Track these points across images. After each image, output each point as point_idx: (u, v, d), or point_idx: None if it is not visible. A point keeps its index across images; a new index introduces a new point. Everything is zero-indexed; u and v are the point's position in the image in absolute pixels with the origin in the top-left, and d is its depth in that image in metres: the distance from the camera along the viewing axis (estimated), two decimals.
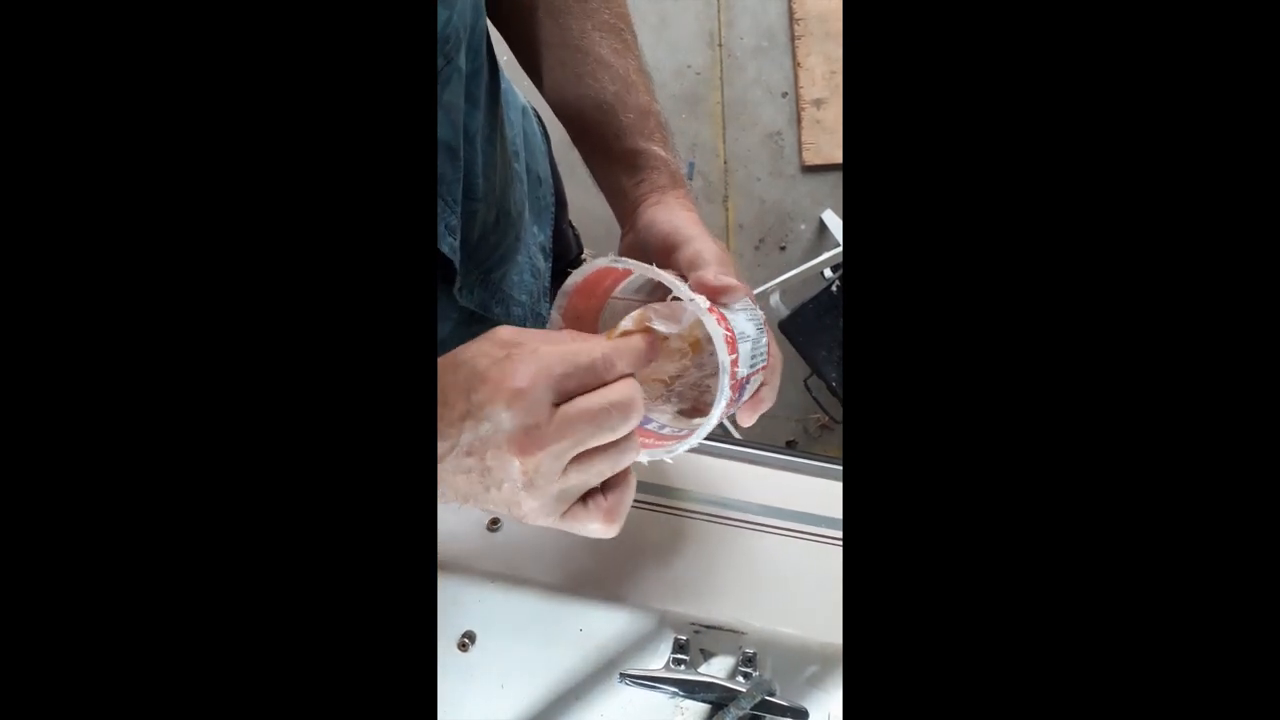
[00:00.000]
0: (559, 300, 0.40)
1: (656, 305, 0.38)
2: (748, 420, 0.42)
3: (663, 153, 0.44)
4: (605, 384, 0.31)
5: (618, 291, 0.41)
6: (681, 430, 0.40)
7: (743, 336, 0.37)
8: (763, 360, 0.40)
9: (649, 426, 0.40)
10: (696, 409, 0.43)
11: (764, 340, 0.40)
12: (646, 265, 0.36)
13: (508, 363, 0.30)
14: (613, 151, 0.45)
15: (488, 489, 0.31)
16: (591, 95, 0.45)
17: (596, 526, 0.34)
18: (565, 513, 0.33)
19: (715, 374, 0.40)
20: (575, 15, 0.46)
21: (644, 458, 0.38)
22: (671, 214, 0.42)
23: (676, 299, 0.38)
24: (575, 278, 0.39)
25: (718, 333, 0.35)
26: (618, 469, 0.33)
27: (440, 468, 0.31)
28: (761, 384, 0.41)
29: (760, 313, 0.41)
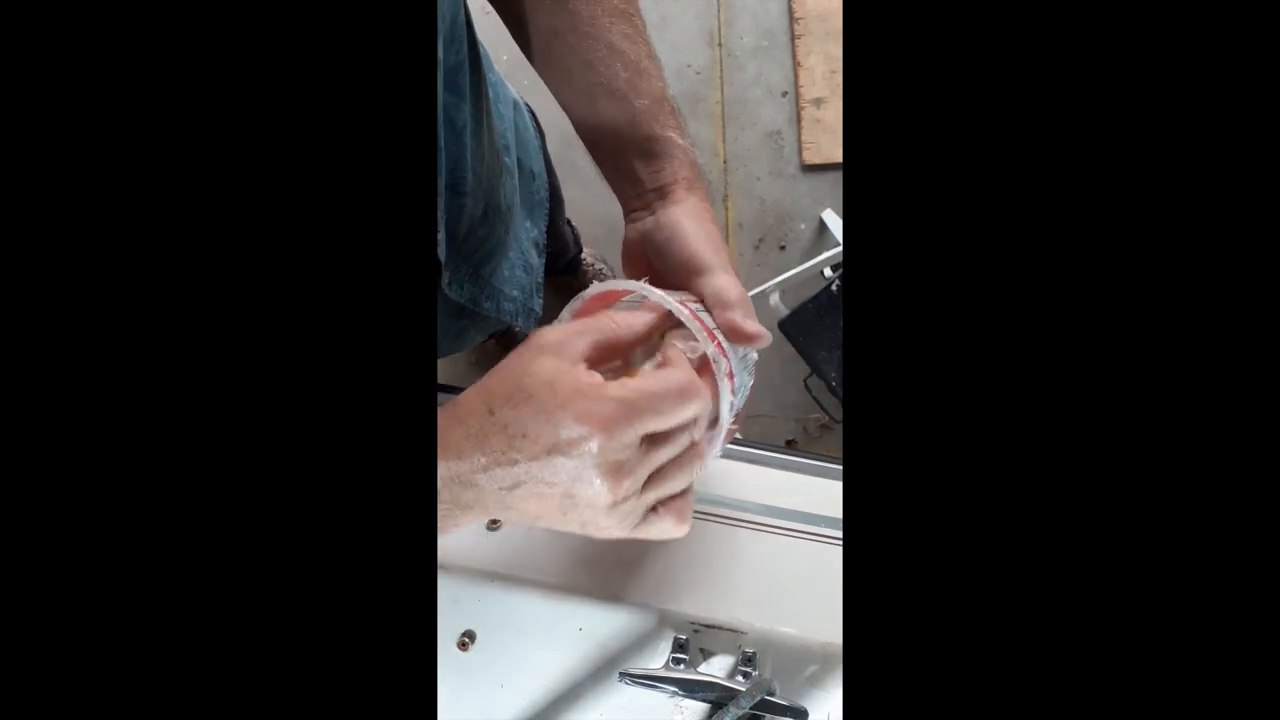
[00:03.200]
0: (574, 304, 0.40)
1: (677, 335, 0.38)
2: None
3: (680, 140, 0.43)
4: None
5: (622, 304, 0.41)
6: None
7: (739, 387, 0.38)
8: (742, 401, 0.41)
9: None
10: None
11: (750, 384, 0.41)
12: (673, 302, 0.36)
13: (596, 398, 0.30)
14: (625, 137, 0.43)
15: (565, 513, 0.32)
16: (604, 82, 0.44)
17: (669, 527, 0.35)
18: (639, 522, 0.34)
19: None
20: (584, 2, 0.44)
21: None
22: (698, 227, 0.41)
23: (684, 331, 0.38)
24: (595, 290, 0.39)
25: (724, 386, 0.36)
26: (692, 479, 0.34)
27: (509, 494, 0.31)
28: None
29: (754, 356, 0.42)
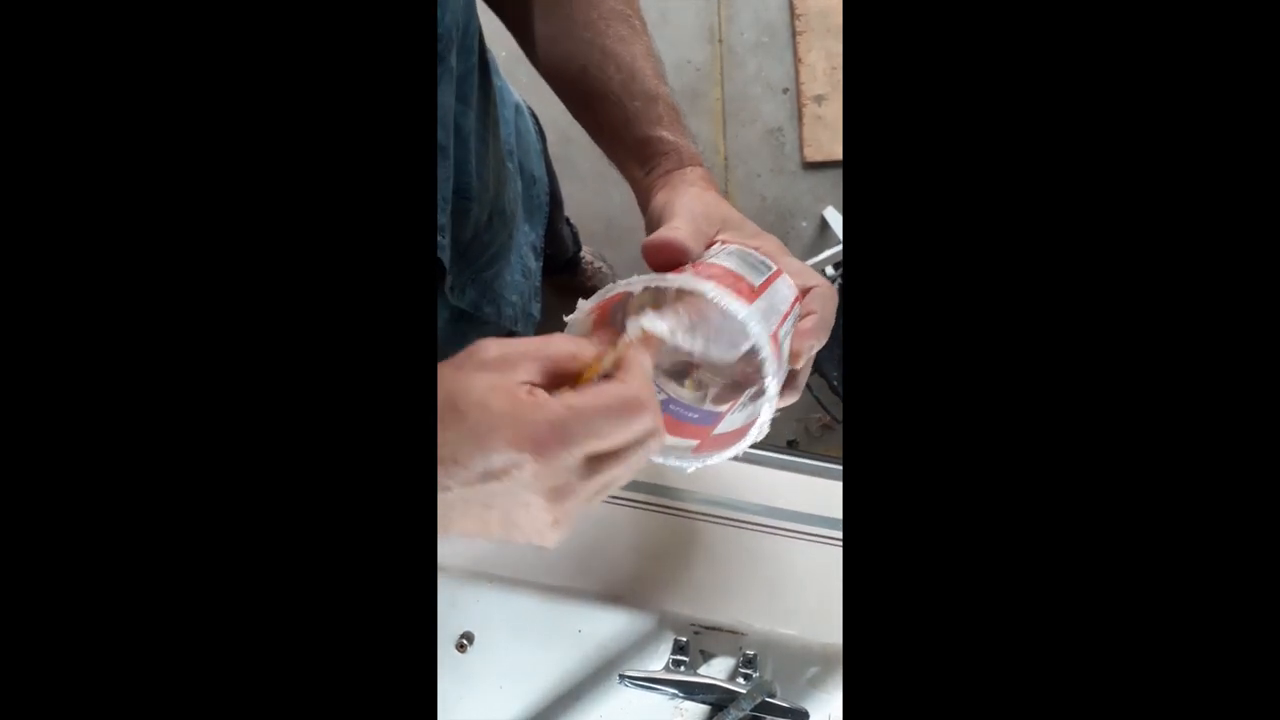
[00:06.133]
0: (580, 315, 0.35)
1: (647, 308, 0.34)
2: (798, 362, 0.38)
3: (671, 137, 0.43)
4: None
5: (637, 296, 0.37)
6: (718, 410, 0.38)
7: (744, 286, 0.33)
8: (784, 303, 0.36)
9: (691, 418, 0.38)
10: (731, 388, 0.39)
11: (780, 283, 0.37)
12: (700, 283, 0.32)
13: (529, 420, 0.27)
14: (623, 141, 0.44)
15: (508, 531, 0.30)
16: (598, 87, 0.44)
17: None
18: None
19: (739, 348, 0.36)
20: (580, 6, 0.45)
21: (716, 459, 0.36)
22: (669, 195, 0.40)
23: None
24: (602, 296, 0.34)
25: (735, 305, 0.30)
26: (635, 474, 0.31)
27: (451, 512, 0.29)
28: (807, 315, 0.38)
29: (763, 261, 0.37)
